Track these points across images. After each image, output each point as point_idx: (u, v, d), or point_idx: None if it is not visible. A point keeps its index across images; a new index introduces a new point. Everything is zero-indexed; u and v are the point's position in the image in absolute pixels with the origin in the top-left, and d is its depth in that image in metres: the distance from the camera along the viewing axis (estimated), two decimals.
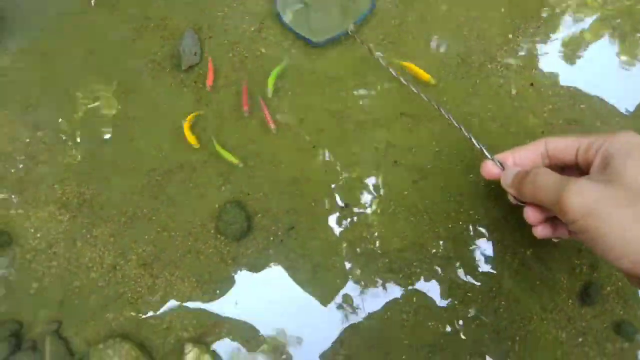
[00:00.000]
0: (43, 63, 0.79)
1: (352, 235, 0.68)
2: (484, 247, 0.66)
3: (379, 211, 0.68)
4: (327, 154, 0.71)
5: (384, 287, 0.66)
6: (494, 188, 0.67)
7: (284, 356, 0.65)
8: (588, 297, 0.63)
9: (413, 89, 0.65)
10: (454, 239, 0.67)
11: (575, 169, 0.52)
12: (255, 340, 0.66)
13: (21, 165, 0.74)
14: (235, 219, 0.68)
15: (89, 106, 0.76)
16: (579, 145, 0.50)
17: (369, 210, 0.68)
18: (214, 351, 0.65)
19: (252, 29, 0.77)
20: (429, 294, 0.65)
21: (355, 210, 0.69)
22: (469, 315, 0.64)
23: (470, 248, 0.66)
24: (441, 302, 0.65)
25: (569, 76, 0.71)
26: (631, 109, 0.70)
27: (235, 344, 0.66)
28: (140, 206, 0.71)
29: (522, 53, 0.73)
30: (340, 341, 0.65)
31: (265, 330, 0.66)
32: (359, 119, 0.72)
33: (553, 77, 0.71)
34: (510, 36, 0.74)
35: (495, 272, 0.65)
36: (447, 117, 0.61)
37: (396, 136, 0.71)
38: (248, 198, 0.70)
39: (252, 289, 0.68)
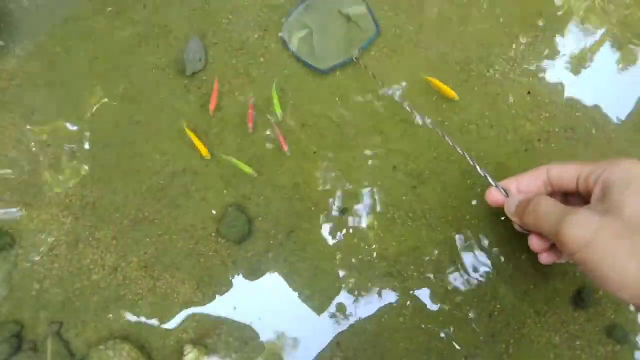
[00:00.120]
0: (49, 68, 0.81)
1: (351, 239, 0.69)
2: (480, 251, 0.67)
3: (377, 216, 0.69)
4: (327, 159, 0.72)
5: (381, 291, 0.67)
6: None
7: (282, 358, 0.66)
8: (581, 301, 0.64)
9: (419, 117, 0.67)
10: (451, 244, 0.68)
11: (577, 196, 0.53)
12: (253, 343, 0.67)
13: (25, 168, 0.75)
14: (235, 222, 0.69)
15: (94, 110, 0.78)
16: (580, 174, 0.51)
17: (367, 215, 0.70)
18: (213, 353, 0.66)
19: (256, 36, 0.79)
20: (426, 298, 0.67)
21: (354, 214, 0.70)
22: (464, 319, 0.65)
23: (467, 253, 0.67)
24: (437, 306, 0.66)
25: (566, 84, 0.73)
26: (627, 117, 0.71)
27: (234, 346, 0.67)
28: (143, 209, 0.73)
29: (519, 62, 0.75)
30: (337, 343, 0.66)
31: (263, 332, 0.67)
32: (360, 125, 0.73)
33: (550, 85, 0.73)
34: (508, 45, 0.75)
35: (490, 276, 0.67)
36: (450, 143, 0.63)
37: (395, 142, 0.72)
38: (249, 202, 0.72)
39: (252, 292, 0.69)
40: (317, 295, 0.68)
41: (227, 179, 0.73)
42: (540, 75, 0.74)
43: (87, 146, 0.76)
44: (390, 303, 0.67)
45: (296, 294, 0.68)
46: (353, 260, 0.68)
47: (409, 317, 0.66)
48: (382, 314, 0.66)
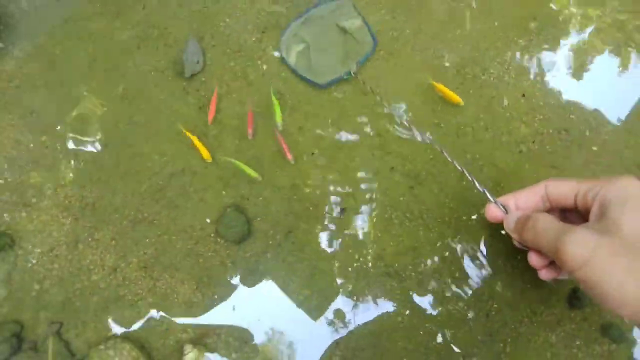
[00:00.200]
0: (48, 69, 0.82)
1: (349, 239, 0.70)
2: (477, 252, 0.69)
3: (375, 216, 0.71)
4: (325, 161, 0.73)
5: (379, 291, 0.68)
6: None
7: (282, 358, 0.67)
8: (577, 300, 0.66)
9: (418, 134, 0.68)
10: (448, 244, 0.69)
11: (575, 212, 0.54)
12: (252, 343, 0.68)
13: (25, 169, 0.76)
14: (235, 223, 0.71)
15: (92, 112, 0.79)
16: (578, 191, 0.52)
17: (365, 215, 0.71)
18: (212, 352, 0.67)
19: (253, 39, 0.81)
20: (423, 298, 0.68)
21: (352, 215, 0.71)
22: (462, 319, 0.67)
23: (464, 253, 0.69)
24: (435, 305, 0.67)
25: (560, 87, 0.75)
26: (620, 119, 0.73)
27: (234, 346, 0.68)
28: (142, 210, 0.74)
29: (514, 65, 0.76)
30: (336, 344, 0.67)
31: (262, 332, 0.68)
32: (358, 128, 0.74)
33: (544, 88, 0.75)
34: (503, 49, 0.77)
35: (487, 276, 0.68)
36: (449, 159, 0.65)
37: (393, 144, 0.73)
38: (247, 203, 0.73)
39: (251, 292, 0.70)
40: (316, 295, 0.69)
41: (226, 180, 0.74)
42: (535, 78, 0.75)
43: (85, 147, 0.77)
44: (388, 302, 0.68)
45: (295, 294, 0.69)
46: (351, 260, 0.70)
47: (407, 317, 0.67)
48: (380, 314, 0.68)
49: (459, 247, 0.69)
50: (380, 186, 0.72)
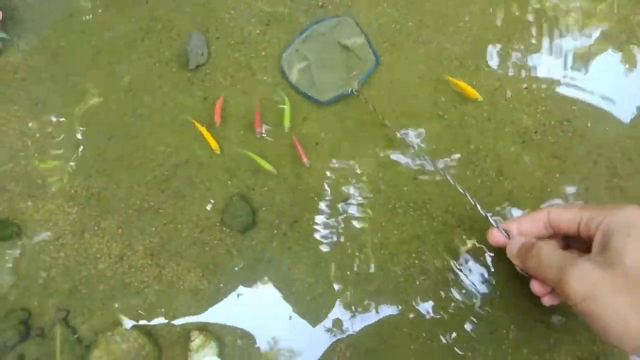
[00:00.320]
0: (52, 61, 0.84)
1: (353, 228, 0.72)
2: (481, 240, 0.70)
3: (379, 206, 0.73)
4: (329, 151, 0.75)
5: (384, 279, 0.70)
6: (490, 185, 0.72)
7: (287, 345, 0.69)
8: None
9: (428, 160, 0.70)
10: (451, 233, 0.71)
11: (578, 238, 0.55)
12: (258, 330, 0.70)
13: (31, 160, 0.78)
14: (240, 212, 0.72)
15: (97, 104, 0.80)
16: (581, 219, 0.53)
17: (369, 205, 0.73)
18: (219, 338, 0.69)
19: (257, 31, 0.83)
20: (427, 286, 0.69)
21: (356, 204, 0.73)
22: (465, 307, 0.68)
23: (468, 241, 0.70)
24: (438, 293, 0.69)
25: (562, 79, 0.76)
26: (622, 110, 0.75)
27: (240, 332, 0.70)
28: (148, 199, 0.76)
29: (516, 57, 0.78)
30: (341, 331, 0.69)
31: (267, 320, 0.70)
32: (361, 118, 0.76)
33: (546, 80, 0.77)
34: (505, 41, 0.79)
35: (490, 263, 0.70)
36: (452, 182, 0.66)
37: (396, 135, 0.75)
38: (253, 192, 0.75)
39: (256, 280, 0.71)
40: (321, 283, 0.71)
41: (232, 171, 0.76)
42: (538, 69, 0.77)
43: (91, 139, 0.79)
44: (392, 290, 0.70)
45: (300, 282, 0.71)
46: (355, 248, 0.71)
47: (411, 304, 0.69)
48: (385, 301, 0.69)
49: (463, 237, 0.71)
50: (384, 176, 0.74)
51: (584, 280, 0.46)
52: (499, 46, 0.79)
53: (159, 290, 0.72)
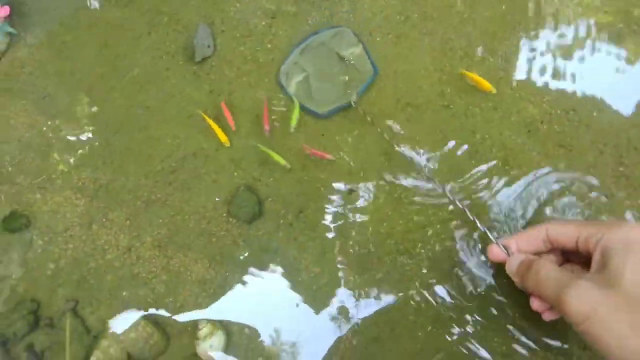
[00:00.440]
0: (59, 56, 0.86)
1: (359, 218, 0.73)
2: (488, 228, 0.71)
3: (384, 195, 0.74)
4: (334, 141, 0.76)
5: (390, 268, 0.71)
6: (496, 174, 0.73)
7: (293, 334, 0.70)
8: None
9: (437, 185, 0.71)
10: (457, 222, 0.72)
11: (577, 253, 0.55)
12: (264, 318, 0.71)
13: (39, 152, 0.80)
14: (246, 203, 0.74)
15: (104, 96, 0.82)
16: (579, 236, 0.53)
17: (374, 195, 0.74)
18: (227, 327, 0.70)
19: (263, 24, 0.84)
20: (434, 274, 0.70)
21: (362, 194, 0.74)
22: (471, 294, 0.69)
23: (474, 230, 0.71)
24: (444, 282, 0.70)
25: (568, 68, 0.77)
26: (628, 99, 0.76)
27: (246, 322, 0.71)
28: (155, 191, 0.77)
29: (521, 46, 0.79)
30: (347, 320, 0.70)
31: (273, 308, 0.71)
32: (366, 109, 0.78)
33: (552, 68, 0.78)
34: (510, 30, 0.80)
35: None
36: (450, 198, 0.68)
37: (402, 125, 0.76)
38: (259, 183, 0.76)
39: (262, 269, 0.73)
40: (327, 273, 0.72)
41: (238, 162, 0.77)
42: (543, 59, 0.78)
43: (99, 131, 0.80)
44: (398, 278, 0.71)
45: (306, 271, 0.72)
46: (361, 238, 0.72)
47: (417, 292, 0.70)
48: (391, 289, 0.70)
49: (469, 225, 0.72)
50: (390, 166, 0.75)
51: (584, 301, 0.46)
52: (503, 36, 0.80)
53: (167, 281, 0.73)
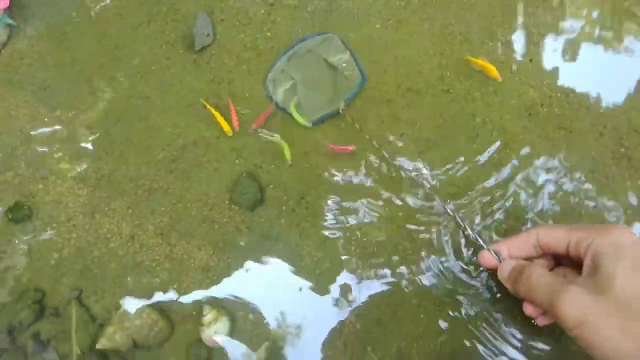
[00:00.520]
0: (59, 47, 0.86)
1: (361, 204, 0.74)
2: (489, 211, 0.72)
3: (386, 181, 0.74)
4: (335, 128, 0.77)
5: (392, 252, 0.72)
6: (497, 158, 0.73)
7: (297, 318, 0.71)
8: None
9: (438, 201, 0.72)
10: (459, 204, 0.72)
11: (568, 257, 0.56)
12: (267, 303, 0.72)
13: (40, 143, 0.80)
14: (248, 190, 0.74)
15: (105, 86, 0.82)
16: (569, 240, 0.53)
17: (377, 180, 0.74)
18: (231, 313, 0.71)
19: (262, 12, 0.84)
20: (435, 258, 0.71)
21: (364, 180, 0.74)
22: (473, 277, 0.70)
23: (475, 213, 0.72)
24: (447, 265, 0.71)
25: (567, 51, 0.78)
26: (627, 81, 0.76)
27: (251, 306, 0.71)
28: (157, 180, 0.77)
29: (521, 30, 0.79)
30: (350, 303, 0.71)
31: (276, 294, 0.72)
32: (366, 95, 0.78)
33: (551, 52, 0.78)
34: (510, 15, 0.80)
35: (499, 237, 0.71)
36: (444, 208, 0.69)
37: (402, 111, 0.77)
38: (260, 170, 0.76)
39: (265, 255, 0.73)
40: (329, 258, 0.72)
41: (239, 150, 0.77)
42: (543, 42, 0.78)
43: (100, 121, 0.81)
44: (400, 260, 0.71)
45: (308, 256, 0.72)
46: (364, 223, 0.73)
47: (419, 276, 0.70)
48: (393, 271, 0.71)
49: (469, 207, 0.72)
50: (391, 151, 0.75)
51: (576, 307, 0.47)
52: (503, 20, 0.80)
53: (170, 268, 0.74)
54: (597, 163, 0.72)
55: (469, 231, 0.65)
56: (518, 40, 0.79)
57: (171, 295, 0.73)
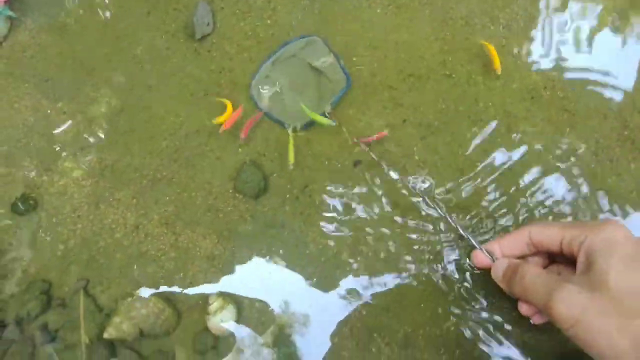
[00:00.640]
0: (60, 39, 0.85)
1: (364, 190, 0.73)
2: (492, 197, 0.71)
3: (389, 167, 0.74)
4: (337, 116, 0.76)
5: (399, 240, 0.71)
6: (500, 141, 0.73)
7: (303, 305, 0.71)
8: None
9: (437, 208, 0.71)
10: (462, 191, 0.72)
11: (562, 255, 0.55)
12: (274, 292, 0.72)
13: (43, 135, 0.80)
14: (252, 178, 0.74)
15: (106, 77, 0.82)
16: (562, 238, 0.53)
17: (379, 168, 0.74)
18: (237, 301, 0.71)
19: (262, 0, 0.83)
20: (442, 246, 0.71)
21: (367, 167, 0.74)
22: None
23: (478, 200, 0.72)
24: (453, 252, 0.70)
25: (570, 34, 0.77)
26: (631, 63, 0.75)
27: (256, 295, 0.72)
28: (160, 169, 0.77)
29: (522, 14, 0.79)
30: (356, 291, 0.71)
31: (282, 282, 0.72)
32: (368, 82, 0.77)
33: (554, 35, 0.77)
34: None
35: (503, 225, 0.71)
36: (440, 212, 0.68)
37: (404, 97, 0.76)
38: (264, 159, 0.76)
39: (270, 244, 0.73)
40: (334, 245, 0.72)
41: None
42: (544, 25, 0.78)
43: (102, 112, 0.80)
44: (405, 247, 0.71)
45: (313, 245, 0.72)
46: (368, 210, 0.73)
47: (425, 264, 0.70)
48: (399, 260, 0.71)
49: (474, 194, 0.72)
50: (393, 138, 0.75)
51: (571, 305, 0.46)
52: (504, 4, 0.79)
53: (176, 257, 0.74)
54: (600, 146, 0.72)
55: (463, 232, 0.64)
56: (520, 24, 0.78)
57: (177, 284, 0.73)
